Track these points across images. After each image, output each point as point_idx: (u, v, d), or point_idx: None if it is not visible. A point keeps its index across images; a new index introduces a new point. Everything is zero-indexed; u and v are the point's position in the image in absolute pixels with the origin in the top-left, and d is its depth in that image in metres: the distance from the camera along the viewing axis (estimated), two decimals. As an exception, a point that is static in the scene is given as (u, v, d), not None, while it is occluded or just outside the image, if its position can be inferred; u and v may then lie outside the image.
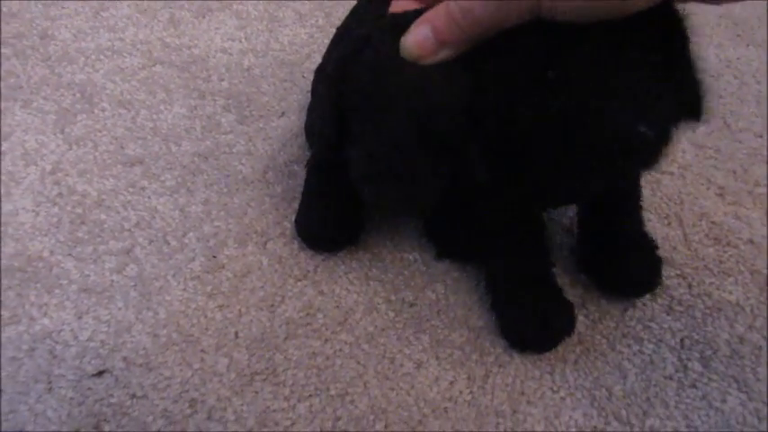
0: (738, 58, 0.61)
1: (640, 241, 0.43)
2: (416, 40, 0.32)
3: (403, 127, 0.32)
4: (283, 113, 0.54)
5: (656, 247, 0.43)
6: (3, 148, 0.50)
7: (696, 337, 0.41)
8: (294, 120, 0.54)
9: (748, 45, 0.62)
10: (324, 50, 0.48)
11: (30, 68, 0.57)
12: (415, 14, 0.33)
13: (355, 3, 0.49)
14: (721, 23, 0.65)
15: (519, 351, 0.41)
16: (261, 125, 0.53)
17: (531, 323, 0.40)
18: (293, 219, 0.46)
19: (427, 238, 0.46)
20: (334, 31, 0.49)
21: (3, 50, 0.58)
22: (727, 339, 0.41)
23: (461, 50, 0.31)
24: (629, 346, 0.41)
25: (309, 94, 0.48)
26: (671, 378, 0.40)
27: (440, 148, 0.33)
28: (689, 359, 0.40)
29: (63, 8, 0.63)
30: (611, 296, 0.43)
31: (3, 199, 0.47)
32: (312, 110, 0.46)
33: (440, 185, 0.34)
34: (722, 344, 0.41)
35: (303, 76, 0.57)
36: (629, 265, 0.42)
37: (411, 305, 0.43)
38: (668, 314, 0.43)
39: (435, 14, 0.31)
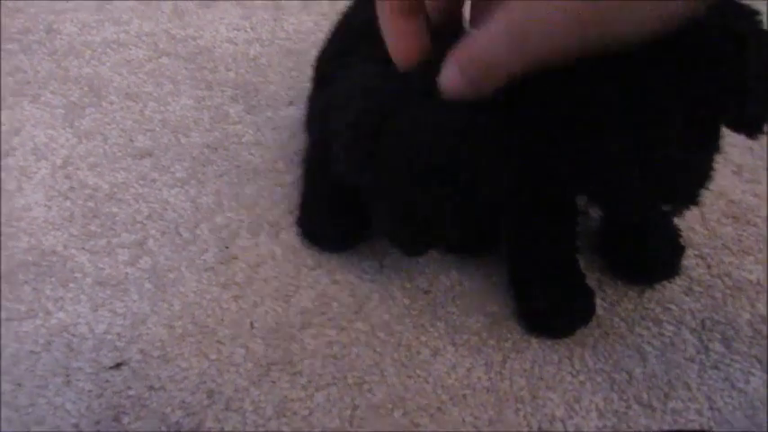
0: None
1: (662, 228, 0.42)
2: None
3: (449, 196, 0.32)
4: (291, 102, 0.54)
5: (680, 235, 0.42)
6: (13, 143, 0.50)
7: (717, 317, 0.41)
8: (302, 108, 0.53)
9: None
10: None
11: (37, 63, 0.57)
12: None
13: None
14: None
15: (536, 336, 0.40)
16: (269, 114, 0.53)
17: (550, 308, 0.39)
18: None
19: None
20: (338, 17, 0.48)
21: (9, 46, 0.58)
22: (748, 319, 0.41)
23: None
24: (648, 328, 0.41)
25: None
26: (692, 360, 0.39)
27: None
28: (710, 340, 0.40)
29: (67, 2, 0.63)
30: (629, 281, 0.43)
31: (15, 194, 0.47)
32: (312, 100, 0.45)
33: (462, 226, 0.35)
34: (743, 324, 0.40)
35: (310, 65, 0.57)
36: (648, 251, 0.42)
37: (426, 292, 0.43)
38: (687, 295, 0.42)
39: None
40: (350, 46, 0.43)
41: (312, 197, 0.45)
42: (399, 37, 0.31)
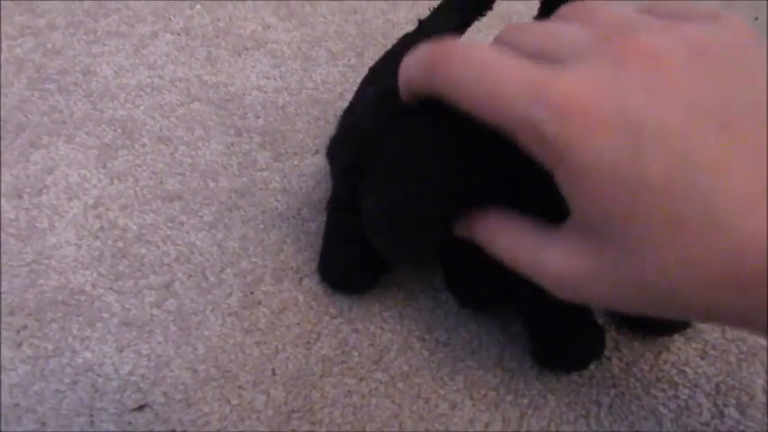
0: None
1: None
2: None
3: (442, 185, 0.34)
4: (317, 151, 0.56)
5: None
6: (47, 182, 0.52)
7: (731, 382, 0.41)
8: (327, 157, 0.55)
9: None
10: (355, 89, 0.49)
11: (73, 104, 0.59)
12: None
13: (390, 47, 0.50)
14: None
15: (548, 370, 0.41)
16: (295, 162, 0.55)
17: (561, 343, 0.40)
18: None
19: (449, 290, 0.46)
20: (365, 70, 0.51)
21: (47, 86, 0.61)
22: (762, 385, 0.41)
23: None
24: (663, 390, 0.41)
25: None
26: (707, 425, 0.39)
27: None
28: (725, 405, 0.40)
29: (105, 45, 0.66)
30: (643, 336, 0.44)
31: (47, 232, 0.48)
32: (336, 140, 0.47)
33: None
34: (758, 390, 0.41)
35: (336, 115, 0.59)
36: None
37: (445, 345, 0.43)
38: (702, 358, 0.43)
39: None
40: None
41: (331, 240, 0.46)
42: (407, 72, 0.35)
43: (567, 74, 0.26)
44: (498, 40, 0.33)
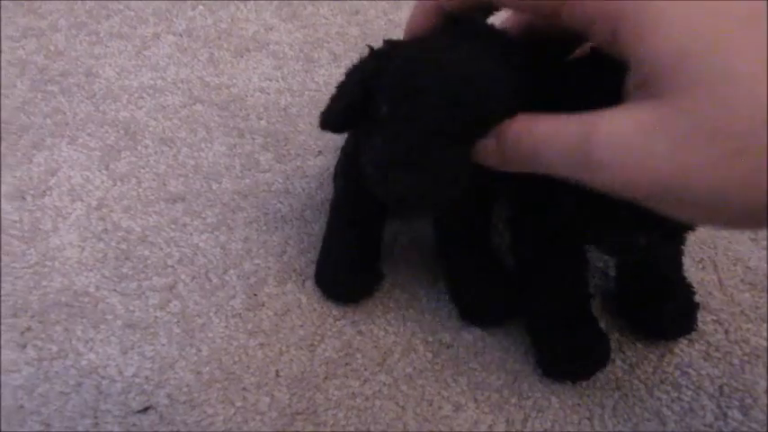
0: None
1: (677, 285, 0.43)
2: None
3: (442, 113, 0.30)
4: (320, 152, 0.56)
5: (694, 293, 0.43)
6: (50, 184, 0.52)
7: (735, 384, 0.41)
8: (330, 159, 0.55)
9: None
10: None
11: (75, 105, 0.59)
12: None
13: None
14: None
15: (554, 379, 0.41)
16: (298, 164, 0.55)
17: (567, 352, 0.40)
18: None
19: (453, 303, 0.45)
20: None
21: (50, 88, 0.61)
22: (766, 387, 0.41)
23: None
24: (667, 392, 0.41)
25: (345, 135, 0.49)
26: (711, 426, 0.39)
27: (475, 136, 0.31)
28: (728, 407, 0.40)
29: (107, 47, 0.66)
30: (647, 339, 0.44)
31: (50, 233, 0.48)
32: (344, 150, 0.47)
33: (465, 180, 0.32)
34: (761, 391, 0.41)
35: (338, 116, 0.59)
36: (663, 308, 0.42)
37: (448, 347, 0.43)
38: (706, 360, 0.43)
39: None
40: None
41: (329, 243, 0.46)
42: (413, 14, 0.35)
43: None
44: None
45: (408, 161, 0.31)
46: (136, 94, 0.60)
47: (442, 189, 0.32)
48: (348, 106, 0.36)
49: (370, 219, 0.45)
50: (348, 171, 0.45)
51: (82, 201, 0.51)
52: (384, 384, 0.41)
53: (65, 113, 0.58)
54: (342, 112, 0.37)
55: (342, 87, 0.38)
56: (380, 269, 0.45)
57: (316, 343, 0.43)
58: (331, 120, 0.38)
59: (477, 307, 0.44)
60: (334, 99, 0.38)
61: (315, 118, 0.59)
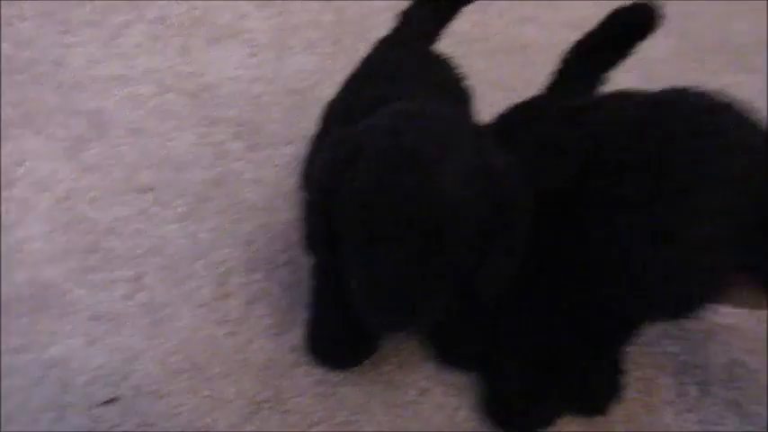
0: (735, 84, 0.62)
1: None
2: None
3: (413, 245, 0.29)
4: (291, 141, 0.55)
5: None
6: (16, 175, 0.51)
7: (693, 361, 0.42)
8: (301, 147, 0.55)
9: (745, 71, 0.64)
10: (332, 79, 0.48)
11: (43, 95, 0.58)
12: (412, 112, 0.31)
13: (367, 53, 0.47)
14: (718, 50, 0.67)
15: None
16: (269, 153, 0.54)
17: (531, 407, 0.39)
18: (301, 249, 0.42)
19: (431, 342, 0.43)
20: (342, 58, 0.50)
21: (17, 77, 0.60)
22: (723, 363, 0.42)
23: None
24: (629, 371, 0.41)
25: (317, 123, 0.48)
26: (670, 403, 0.40)
27: (451, 261, 0.30)
28: (687, 383, 0.41)
29: (76, 35, 0.65)
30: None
31: (16, 225, 0.48)
32: (314, 152, 0.43)
33: (447, 299, 0.32)
34: (719, 368, 0.42)
35: (311, 105, 0.58)
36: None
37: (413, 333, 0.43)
38: (666, 338, 0.43)
39: None
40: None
41: (320, 311, 0.42)
42: None
43: None
44: None
45: (391, 304, 0.31)
46: (105, 84, 0.59)
47: (426, 317, 0.32)
48: (322, 239, 0.34)
49: None
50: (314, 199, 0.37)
51: (49, 192, 0.50)
52: (350, 371, 0.41)
53: (32, 103, 0.57)
54: (323, 242, 0.35)
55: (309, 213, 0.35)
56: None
57: (282, 331, 0.43)
58: (319, 251, 0.36)
59: (454, 351, 0.42)
60: (308, 224, 0.36)
61: (287, 106, 0.59)
